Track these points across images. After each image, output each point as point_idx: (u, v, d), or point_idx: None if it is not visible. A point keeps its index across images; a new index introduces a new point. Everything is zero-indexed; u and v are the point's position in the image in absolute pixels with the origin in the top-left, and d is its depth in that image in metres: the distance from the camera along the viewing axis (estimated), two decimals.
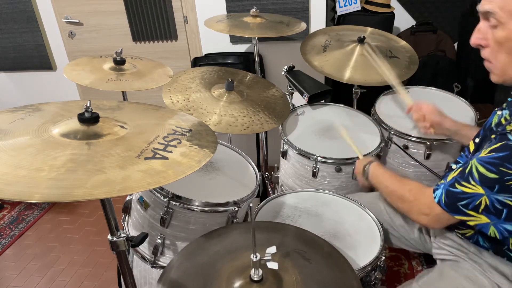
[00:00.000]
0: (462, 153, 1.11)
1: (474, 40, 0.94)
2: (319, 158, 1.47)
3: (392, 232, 1.35)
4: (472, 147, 1.06)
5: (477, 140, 1.05)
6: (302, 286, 0.87)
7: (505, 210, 0.89)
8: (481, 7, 0.90)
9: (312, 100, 1.69)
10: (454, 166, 1.10)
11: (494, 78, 0.96)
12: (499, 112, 1.00)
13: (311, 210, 1.31)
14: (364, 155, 1.47)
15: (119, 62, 1.68)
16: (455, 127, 1.38)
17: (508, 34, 0.87)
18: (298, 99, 1.78)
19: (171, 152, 0.82)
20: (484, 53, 0.94)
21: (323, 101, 1.78)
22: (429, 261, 1.98)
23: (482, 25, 0.92)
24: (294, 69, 1.78)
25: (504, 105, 1.00)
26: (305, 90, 1.67)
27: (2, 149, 0.74)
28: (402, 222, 1.33)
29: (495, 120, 0.99)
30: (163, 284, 0.91)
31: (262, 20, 1.93)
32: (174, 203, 1.15)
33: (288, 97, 1.79)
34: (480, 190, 0.89)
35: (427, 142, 1.54)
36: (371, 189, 1.39)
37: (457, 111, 1.67)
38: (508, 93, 1.04)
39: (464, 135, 1.37)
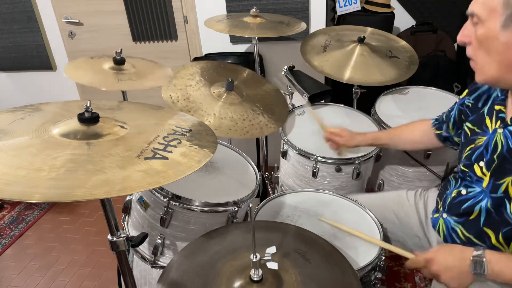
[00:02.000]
0: (468, 178, 1.06)
1: (459, 37, 0.95)
2: (319, 158, 1.47)
3: (392, 232, 1.34)
4: (478, 172, 1.02)
5: (481, 164, 1.01)
6: (302, 286, 0.87)
7: None
8: (468, 8, 0.91)
9: (312, 100, 1.69)
10: (463, 191, 1.06)
11: (477, 77, 0.96)
12: (500, 131, 0.97)
13: (311, 210, 1.31)
14: (365, 160, 1.46)
15: (119, 62, 1.68)
16: (367, 142, 1.45)
17: (486, 32, 0.87)
18: (298, 99, 1.78)
19: (171, 152, 0.81)
20: (468, 51, 0.95)
21: (323, 101, 1.78)
22: None
23: (468, 23, 0.93)
24: (294, 69, 1.78)
25: (509, 120, 0.97)
26: (305, 90, 1.67)
27: (2, 149, 0.74)
28: (402, 222, 1.32)
29: (502, 140, 0.97)
30: (163, 284, 0.91)
31: (262, 20, 1.93)
32: (174, 203, 1.15)
33: (288, 97, 1.79)
34: None
35: None
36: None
37: None
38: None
39: (385, 143, 1.44)
